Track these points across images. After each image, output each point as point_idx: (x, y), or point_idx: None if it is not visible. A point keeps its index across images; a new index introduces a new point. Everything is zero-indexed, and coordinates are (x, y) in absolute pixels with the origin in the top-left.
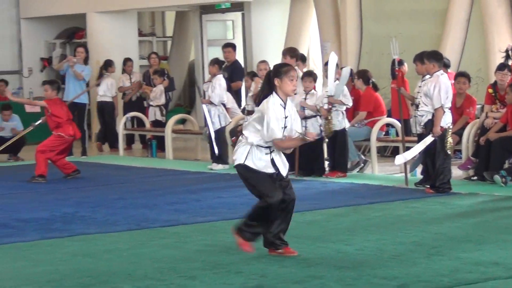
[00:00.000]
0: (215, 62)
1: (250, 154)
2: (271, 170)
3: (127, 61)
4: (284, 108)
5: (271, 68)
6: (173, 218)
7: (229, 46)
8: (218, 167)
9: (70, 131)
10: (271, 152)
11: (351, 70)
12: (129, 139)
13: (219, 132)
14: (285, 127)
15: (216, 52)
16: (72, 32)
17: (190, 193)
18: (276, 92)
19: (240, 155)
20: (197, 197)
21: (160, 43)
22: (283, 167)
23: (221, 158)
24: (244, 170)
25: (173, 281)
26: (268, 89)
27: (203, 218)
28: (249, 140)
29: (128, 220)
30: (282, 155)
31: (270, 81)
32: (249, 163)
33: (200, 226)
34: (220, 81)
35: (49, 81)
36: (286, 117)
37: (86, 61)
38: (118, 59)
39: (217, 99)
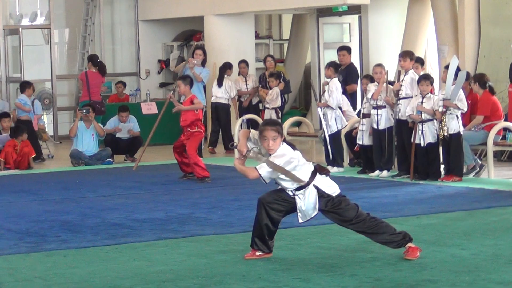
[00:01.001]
0: (331, 65)
1: None
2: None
3: (241, 63)
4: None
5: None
6: (288, 220)
7: (344, 49)
8: (333, 170)
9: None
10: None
11: (468, 73)
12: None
13: (335, 135)
14: None
15: (333, 55)
16: (190, 35)
17: None
18: None
19: None
20: None
21: (276, 45)
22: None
23: (336, 161)
24: None
25: (287, 283)
26: None
27: (318, 220)
28: None
29: (243, 222)
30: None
31: None
32: None
33: (314, 229)
34: (337, 84)
35: (182, 77)
36: None
37: (204, 63)
38: (235, 61)
39: (334, 103)
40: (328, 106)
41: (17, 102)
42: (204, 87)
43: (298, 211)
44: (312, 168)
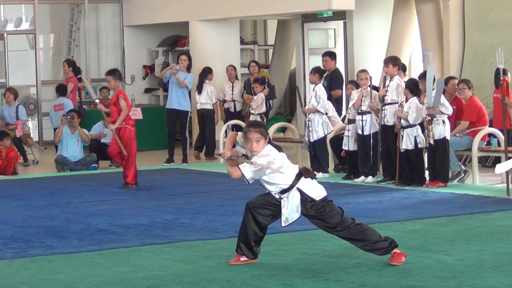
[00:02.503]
0: (316, 70)
1: None
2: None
3: (229, 66)
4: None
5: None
6: (272, 225)
7: (327, 55)
8: (318, 176)
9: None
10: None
11: (448, 79)
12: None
13: (321, 141)
14: None
15: (317, 61)
16: (175, 40)
17: None
18: None
19: None
20: None
21: (261, 51)
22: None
23: (322, 166)
24: None
25: None
26: None
27: (302, 226)
28: None
29: (227, 227)
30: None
31: None
32: None
33: (299, 234)
34: (323, 89)
35: (110, 71)
36: None
37: (189, 68)
38: (220, 67)
39: (323, 108)
40: (316, 111)
41: None
42: (190, 92)
43: (282, 214)
44: (297, 170)
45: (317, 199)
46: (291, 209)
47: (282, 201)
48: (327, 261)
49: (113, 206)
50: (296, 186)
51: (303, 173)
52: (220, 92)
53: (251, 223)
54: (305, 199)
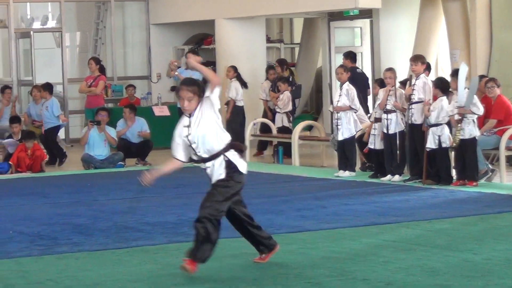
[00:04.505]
0: (345, 69)
1: None
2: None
3: (269, 69)
4: (188, 126)
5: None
6: (299, 224)
7: (341, 67)
8: (345, 174)
9: None
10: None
11: (479, 77)
12: (262, 145)
13: (350, 139)
14: (191, 144)
15: None
16: (201, 38)
17: (316, 200)
18: None
19: None
20: (323, 204)
21: (287, 49)
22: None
23: (349, 165)
24: None
25: (299, 287)
26: None
27: (329, 224)
28: None
29: None
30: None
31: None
32: None
33: (326, 233)
34: (352, 87)
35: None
36: (188, 135)
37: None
38: (246, 65)
39: (356, 106)
40: (348, 109)
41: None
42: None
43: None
44: (229, 138)
45: (240, 170)
46: (216, 176)
47: (207, 170)
48: (353, 259)
49: (139, 204)
50: (225, 153)
51: (234, 145)
52: (262, 92)
53: (239, 222)
54: (228, 166)
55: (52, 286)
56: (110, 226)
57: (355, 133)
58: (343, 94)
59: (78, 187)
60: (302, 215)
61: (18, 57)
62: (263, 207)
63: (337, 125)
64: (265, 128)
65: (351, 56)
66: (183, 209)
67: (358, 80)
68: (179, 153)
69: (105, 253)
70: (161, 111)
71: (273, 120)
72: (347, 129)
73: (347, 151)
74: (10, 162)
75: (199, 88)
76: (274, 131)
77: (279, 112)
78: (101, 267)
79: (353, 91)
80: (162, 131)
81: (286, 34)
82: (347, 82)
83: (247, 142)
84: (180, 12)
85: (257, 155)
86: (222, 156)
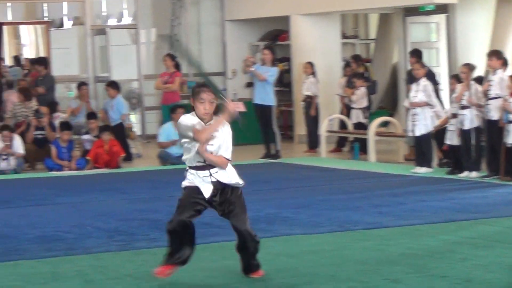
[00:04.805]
0: (422, 64)
1: None
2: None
3: (346, 66)
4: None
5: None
6: (376, 220)
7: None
8: (422, 170)
9: None
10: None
11: None
12: (340, 142)
13: (427, 135)
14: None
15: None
16: (276, 35)
17: (393, 196)
18: (195, 112)
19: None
20: (400, 200)
21: (363, 45)
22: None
23: (426, 161)
24: None
25: (377, 284)
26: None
27: (407, 221)
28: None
29: (331, 222)
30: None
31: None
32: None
33: (403, 229)
34: (429, 83)
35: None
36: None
37: (273, 62)
38: (321, 61)
39: (434, 102)
40: (425, 105)
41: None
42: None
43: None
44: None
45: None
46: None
47: (215, 175)
48: (431, 256)
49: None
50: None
51: None
52: (339, 88)
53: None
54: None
55: (130, 282)
56: None
57: (430, 129)
58: (420, 89)
59: (155, 182)
60: (379, 212)
61: (94, 54)
62: (340, 204)
63: (413, 121)
64: (342, 124)
65: (416, 53)
66: (260, 205)
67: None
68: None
69: None
70: (237, 107)
71: (348, 116)
72: (423, 125)
73: (424, 147)
74: (88, 158)
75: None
76: (350, 127)
77: (354, 108)
78: None
79: (430, 87)
80: (236, 128)
81: (361, 29)
82: (424, 78)
83: (322, 138)
84: (255, 8)
85: (335, 151)
86: None
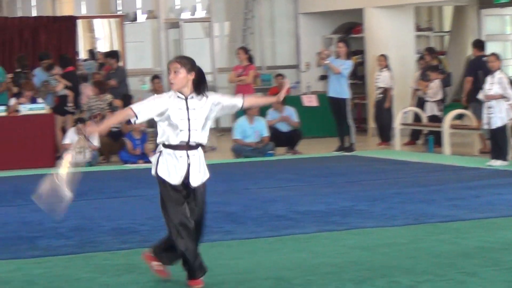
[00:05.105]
0: (498, 57)
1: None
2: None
3: (420, 59)
4: (185, 99)
5: None
6: (451, 213)
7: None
8: (497, 163)
9: None
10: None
11: None
12: (415, 135)
13: (503, 128)
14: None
15: (495, 47)
16: (349, 27)
17: (468, 189)
18: None
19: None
20: (475, 193)
21: (437, 38)
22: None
23: (502, 153)
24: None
25: (453, 277)
26: None
27: (482, 214)
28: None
29: (406, 215)
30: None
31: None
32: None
33: (479, 222)
34: (504, 76)
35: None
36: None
37: (348, 55)
38: (394, 54)
39: (510, 94)
40: (500, 98)
41: None
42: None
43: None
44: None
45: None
46: (201, 167)
47: (192, 157)
48: (508, 249)
49: (289, 193)
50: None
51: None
52: (413, 82)
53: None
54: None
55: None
56: (261, 214)
57: (506, 121)
58: (495, 82)
59: (229, 175)
60: (454, 204)
61: (167, 47)
62: (415, 196)
63: (489, 114)
64: (416, 117)
65: (479, 44)
66: (333, 198)
67: (484, 69)
68: (143, 111)
69: (257, 241)
70: (310, 100)
71: (421, 108)
72: (499, 117)
73: (499, 140)
74: None
75: (192, 64)
76: (424, 120)
77: (429, 101)
78: (253, 255)
79: (506, 79)
80: (311, 120)
81: (435, 22)
82: (500, 70)
83: (396, 131)
84: (329, 1)
85: (409, 144)
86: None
